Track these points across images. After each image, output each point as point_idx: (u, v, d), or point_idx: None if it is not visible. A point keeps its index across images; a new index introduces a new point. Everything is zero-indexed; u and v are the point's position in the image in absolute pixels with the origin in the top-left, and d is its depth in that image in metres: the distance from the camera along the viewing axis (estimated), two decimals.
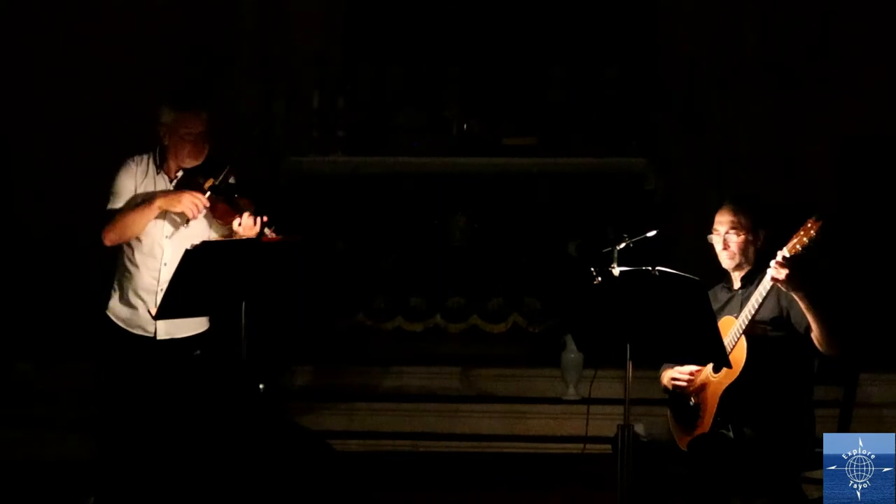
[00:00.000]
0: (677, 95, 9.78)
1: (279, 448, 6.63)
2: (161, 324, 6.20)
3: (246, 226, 6.09)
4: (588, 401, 6.71)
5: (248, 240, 6.02)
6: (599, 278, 5.41)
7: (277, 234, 6.09)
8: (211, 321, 6.42)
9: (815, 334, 5.61)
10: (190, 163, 6.23)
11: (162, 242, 6.22)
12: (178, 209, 6.14)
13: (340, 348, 9.00)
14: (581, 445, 6.80)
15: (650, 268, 5.33)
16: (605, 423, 6.58)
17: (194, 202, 6.12)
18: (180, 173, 6.25)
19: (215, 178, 6.20)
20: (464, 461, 7.88)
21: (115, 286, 6.35)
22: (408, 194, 9.13)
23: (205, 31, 9.87)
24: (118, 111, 9.29)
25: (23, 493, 7.28)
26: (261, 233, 6.06)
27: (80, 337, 8.15)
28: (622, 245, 5.76)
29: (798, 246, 5.49)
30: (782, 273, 5.51)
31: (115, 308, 6.31)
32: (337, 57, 10.07)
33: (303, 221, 9.01)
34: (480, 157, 9.19)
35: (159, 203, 6.14)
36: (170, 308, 5.94)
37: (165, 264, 6.17)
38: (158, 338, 6.23)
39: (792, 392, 5.78)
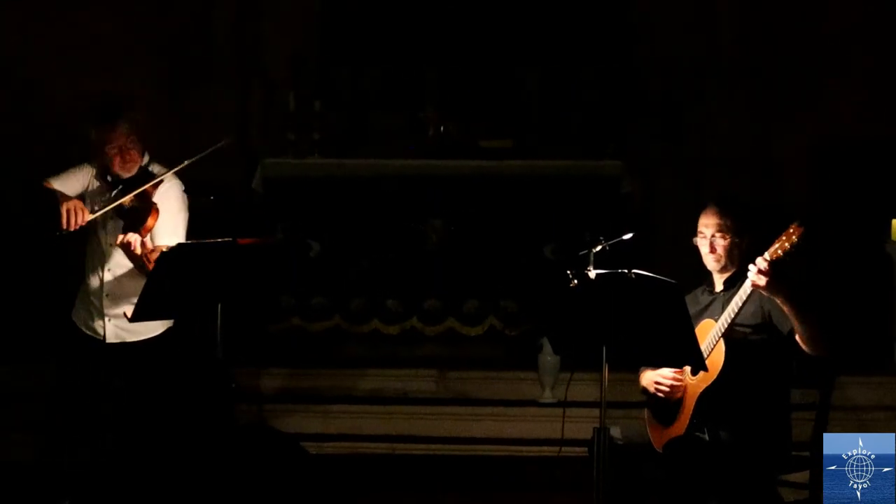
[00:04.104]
0: (654, 99, 9.80)
1: (251, 450, 6.61)
2: (110, 327, 6.22)
3: (132, 245, 6.08)
4: (564, 404, 6.69)
5: (224, 242, 6.00)
6: (576, 281, 5.41)
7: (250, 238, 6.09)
8: (174, 325, 6.43)
9: (799, 336, 5.61)
10: (122, 173, 6.24)
11: (105, 249, 6.23)
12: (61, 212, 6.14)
13: (316, 350, 8.98)
14: (557, 448, 6.79)
15: (626, 271, 5.33)
16: (582, 425, 6.58)
17: (68, 211, 6.10)
18: (121, 186, 6.27)
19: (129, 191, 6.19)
20: (440, 464, 7.87)
21: (80, 289, 6.42)
22: (384, 197, 9.11)
23: (180, 32, 9.85)
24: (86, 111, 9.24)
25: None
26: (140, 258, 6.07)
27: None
28: (598, 248, 5.77)
29: (780, 251, 5.49)
30: (762, 280, 5.50)
31: (75, 311, 6.40)
32: (313, 59, 10.05)
33: (278, 224, 9.03)
34: (457, 159, 9.18)
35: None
36: (145, 310, 5.94)
37: (109, 270, 6.22)
38: (108, 341, 6.24)
39: (769, 395, 5.78)
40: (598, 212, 8.82)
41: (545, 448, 7.67)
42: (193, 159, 6.35)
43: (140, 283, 6.10)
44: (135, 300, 6.10)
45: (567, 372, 7.35)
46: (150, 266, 6.03)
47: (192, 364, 7.62)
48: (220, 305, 5.99)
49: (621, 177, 9.01)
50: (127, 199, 6.16)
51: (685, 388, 5.78)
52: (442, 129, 9.47)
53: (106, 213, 6.17)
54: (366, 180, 9.15)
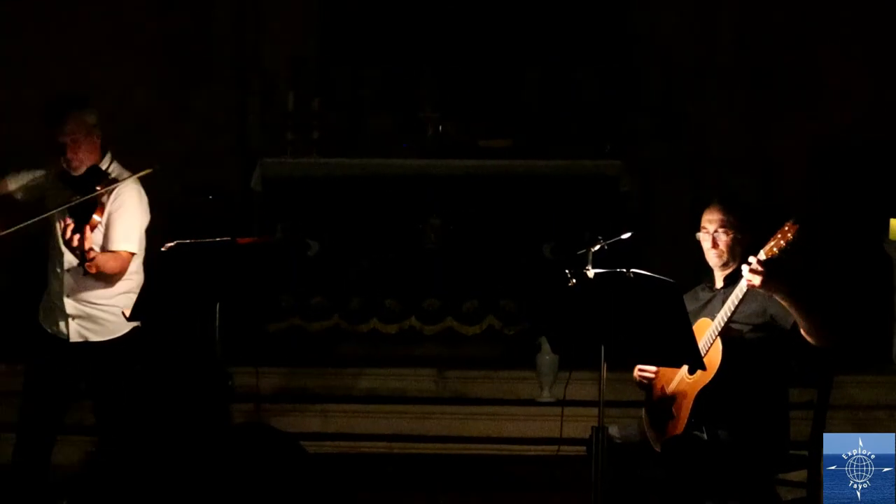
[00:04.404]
0: (653, 98, 9.80)
1: (249, 448, 6.61)
2: (73, 326, 6.21)
3: (69, 237, 6.05)
4: (562, 403, 6.70)
5: (223, 241, 6.00)
6: (574, 280, 5.42)
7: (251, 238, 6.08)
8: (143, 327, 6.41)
9: (803, 329, 5.61)
10: (73, 168, 6.22)
11: (62, 248, 6.21)
12: None
13: (315, 349, 8.99)
14: (555, 447, 6.81)
15: (625, 270, 5.33)
16: (580, 424, 6.59)
17: None
18: (75, 186, 6.25)
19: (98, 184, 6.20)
20: (439, 463, 7.87)
21: (45, 290, 6.42)
22: (383, 196, 9.11)
23: (180, 32, 9.85)
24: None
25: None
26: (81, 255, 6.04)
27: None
28: (597, 247, 5.77)
29: (775, 249, 5.50)
30: (757, 279, 5.51)
31: (40, 312, 6.38)
32: (312, 59, 10.06)
33: (277, 223, 9.04)
34: (456, 159, 9.18)
35: None
36: (143, 309, 5.94)
37: (67, 271, 6.20)
38: (71, 340, 6.23)
39: (767, 394, 5.79)
40: (596, 211, 8.84)
41: (544, 447, 7.67)
42: (137, 175, 6.29)
43: (99, 283, 6.15)
44: (95, 300, 6.18)
45: (565, 371, 7.37)
46: (91, 267, 6.03)
47: (189, 363, 7.65)
48: (218, 305, 5.99)
49: (620, 176, 9.01)
50: (77, 198, 6.14)
51: (683, 386, 5.79)
52: (441, 128, 9.48)
53: (60, 211, 6.16)
54: (365, 180, 9.15)
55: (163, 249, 5.93)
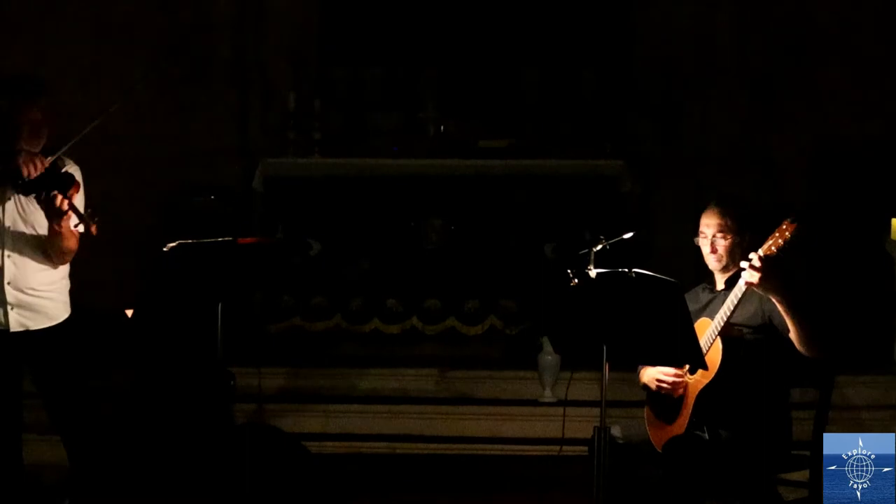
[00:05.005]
0: (653, 98, 9.80)
1: (251, 448, 6.61)
2: (14, 315, 6.05)
3: (46, 207, 5.85)
4: (564, 403, 6.71)
5: (224, 241, 5.99)
6: (576, 280, 5.42)
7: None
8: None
9: (793, 336, 5.61)
10: (28, 148, 5.96)
11: (2, 231, 6.07)
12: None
13: (316, 350, 8.99)
14: (557, 447, 6.79)
15: (626, 270, 5.34)
16: (582, 425, 6.58)
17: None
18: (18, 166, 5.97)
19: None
20: (440, 463, 7.88)
21: None
22: (384, 196, 9.12)
23: (181, 31, 9.86)
24: (92, 111, 9.22)
25: None
26: (83, 218, 5.88)
27: None
28: (599, 247, 5.76)
29: (773, 248, 5.50)
30: (755, 277, 5.51)
31: None
32: (313, 59, 10.07)
33: (278, 223, 9.04)
34: (456, 159, 9.19)
35: None
36: (146, 310, 5.92)
37: (9, 256, 5.98)
38: (12, 330, 6.09)
39: (768, 394, 5.78)
40: (598, 211, 8.84)
41: (545, 447, 7.67)
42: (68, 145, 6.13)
43: (43, 269, 6.01)
44: (37, 286, 6.01)
45: (567, 371, 7.37)
46: (63, 240, 5.91)
47: (191, 363, 7.64)
48: (220, 305, 5.99)
49: (621, 176, 9.02)
50: (41, 166, 5.96)
51: (686, 386, 5.79)
52: (441, 128, 9.49)
53: (22, 188, 6.01)
54: (366, 180, 9.16)
55: (164, 250, 5.91)
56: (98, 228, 5.86)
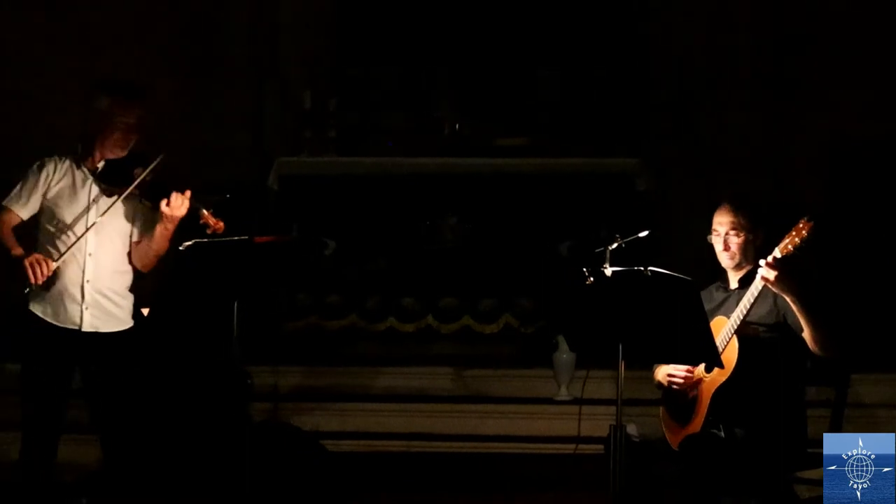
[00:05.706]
0: (668, 96, 9.80)
1: (269, 446, 6.63)
2: (88, 315, 6.04)
3: (174, 205, 5.93)
4: (580, 401, 6.71)
5: (241, 239, 6.00)
6: (592, 279, 5.42)
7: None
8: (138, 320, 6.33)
9: (807, 336, 5.61)
10: (116, 153, 6.02)
11: (86, 233, 6.07)
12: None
13: (332, 348, 9.00)
14: (573, 446, 6.80)
15: (642, 268, 5.34)
16: (598, 423, 6.57)
17: (31, 265, 5.85)
18: (102, 163, 6.04)
19: (144, 167, 6.04)
20: (456, 462, 7.88)
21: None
22: (399, 195, 9.13)
23: (196, 31, 9.88)
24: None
25: (12, 494, 7.25)
26: (196, 212, 5.96)
27: None
28: (614, 245, 5.75)
29: (790, 246, 5.50)
30: (772, 274, 5.52)
31: (40, 303, 6.06)
32: (328, 58, 10.08)
33: (294, 222, 9.06)
34: (472, 157, 9.19)
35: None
36: (162, 308, 5.94)
37: (90, 255, 5.99)
38: (83, 329, 6.08)
39: (784, 392, 5.78)
40: (613, 209, 8.84)
41: (561, 446, 7.66)
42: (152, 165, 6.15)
43: (121, 272, 6.04)
44: (114, 290, 6.03)
45: (583, 369, 7.37)
46: (167, 243, 5.95)
47: (208, 362, 7.65)
48: (236, 303, 5.99)
49: (637, 174, 9.02)
50: (147, 173, 6.00)
51: (700, 383, 5.79)
52: (457, 127, 9.50)
53: (130, 191, 6.03)
54: (381, 178, 9.17)
55: (180, 248, 5.91)
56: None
